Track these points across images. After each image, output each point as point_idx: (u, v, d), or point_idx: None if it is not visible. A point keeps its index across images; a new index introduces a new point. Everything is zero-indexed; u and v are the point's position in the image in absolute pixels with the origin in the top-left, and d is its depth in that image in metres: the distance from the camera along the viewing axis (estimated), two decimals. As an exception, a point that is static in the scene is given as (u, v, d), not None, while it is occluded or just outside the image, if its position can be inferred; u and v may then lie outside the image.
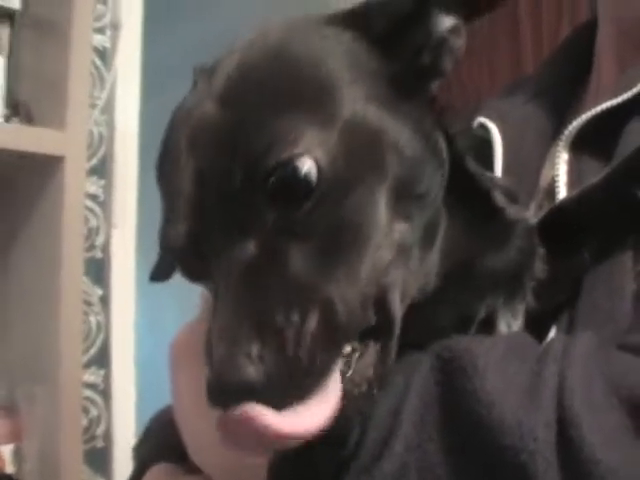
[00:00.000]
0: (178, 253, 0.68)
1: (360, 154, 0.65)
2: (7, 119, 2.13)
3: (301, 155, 0.62)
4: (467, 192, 0.75)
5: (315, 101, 0.65)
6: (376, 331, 0.63)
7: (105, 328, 2.64)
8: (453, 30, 0.71)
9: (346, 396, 0.60)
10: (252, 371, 0.57)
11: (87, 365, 2.56)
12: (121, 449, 2.61)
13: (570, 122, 0.92)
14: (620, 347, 0.66)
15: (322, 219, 0.63)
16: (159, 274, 0.88)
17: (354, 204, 0.63)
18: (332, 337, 0.60)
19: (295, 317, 0.59)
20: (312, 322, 0.59)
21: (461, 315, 0.73)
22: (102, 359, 2.64)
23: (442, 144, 0.72)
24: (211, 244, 0.65)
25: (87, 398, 2.56)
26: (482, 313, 0.74)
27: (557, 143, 0.94)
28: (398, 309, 0.65)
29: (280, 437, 0.57)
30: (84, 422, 2.51)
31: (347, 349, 0.62)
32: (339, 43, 0.69)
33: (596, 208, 0.80)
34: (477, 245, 0.76)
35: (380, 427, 0.63)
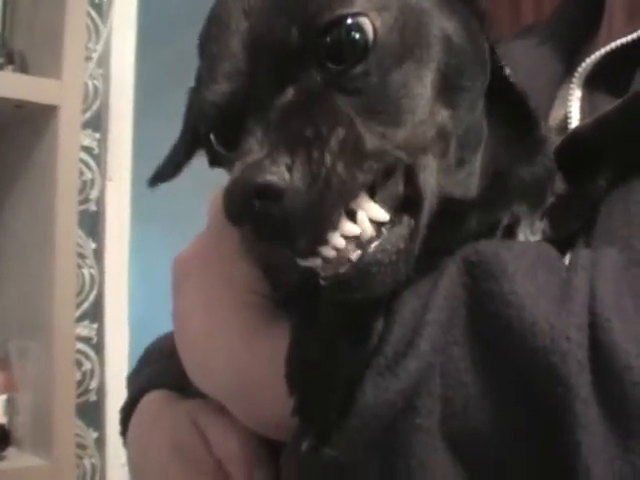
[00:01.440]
0: (218, 111, 0.67)
1: (412, 32, 0.66)
2: (1, 67, 2.11)
3: (360, 14, 0.63)
4: (506, 102, 0.76)
5: None
6: (408, 208, 0.63)
7: (98, 281, 2.64)
8: None
9: (375, 264, 0.60)
10: (278, 175, 0.56)
11: (80, 319, 2.56)
12: (114, 403, 2.61)
13: (582, 62, 0.92)
14: None
15: (371, 84, 0.63)
16: (160, 177, 0.85)
17: (403, 76, 0.64)
18: (357, 160, 0.59)
19: (323, 131, 0.59)
20: (339, 134, 0.59)
21: (487, 222, 0.73)
22: (95, 313, 2.64)
23: (486, 49, 0.74)
24: (257, 102, 0.64)
25: (80, 352, 2.56)
26: (505, 221, 0.74)
27: (570, 81, 0.94)
28: (430, 190, 0.65)
29: None
30: (77, 376, 2.51)
31: (383, 217, 0.61)
32: None
33: (612, 135, 0.80)
34: (514, 157, 0.76)
35: (405, 325, 0.62)
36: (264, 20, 0.64)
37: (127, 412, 0.96)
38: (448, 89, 0.67)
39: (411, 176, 0.63)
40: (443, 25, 0.68)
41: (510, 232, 0.74)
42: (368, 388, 0.60)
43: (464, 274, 0.63)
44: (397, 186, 0.62)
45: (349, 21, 0.62)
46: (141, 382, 0.99)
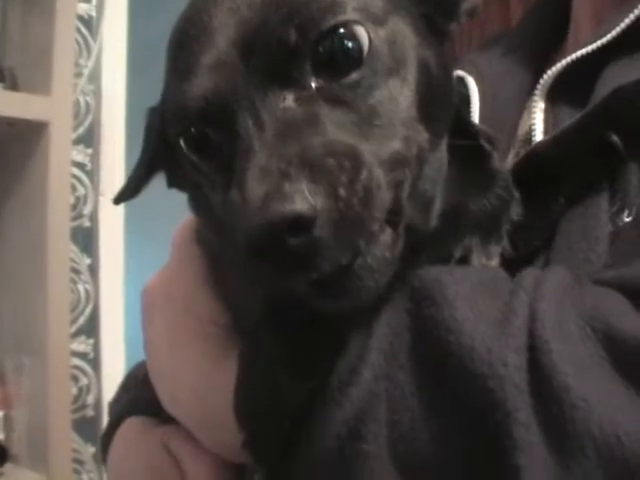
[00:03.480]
0: (204, 104, 0.65)
1: (400, 50, 0.68)
2: (-8, 85, 2.12)
3: (359, 23, 0.64)
4: (461, 138, 0.76)
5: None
6: (389, 219, 0.63)
7: (94, 297, 2.64)
8: None
9: (368, 269, 0.60)
10: (307, 203, 0.55)
11: (76, 334, 2.57)
12: (111, 418, 2.61)
13: (547, 72, 0.92)
14: (595, 281, 0.66)
15: (362, 94, 0.64)
16: (125, 194, 0.85)
17: (390, 91, 0.66)
18: (375, 196, 0.60)
19: (347, 164, 0.58)
20: (365, 172, 0.59)
21: (439, 254, 0.73)
22: (91, 328, 2.64)
23: (454, 85, 0.77)
24: (249, 101, 0.63)
25: (77, 367, 2.56)
26: (458, 253, 0.74)
27: (534, 93, 0.94)
28: (406, 201, 0.65)
29: None
30: (74, 391, 2.52)
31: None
32: None
33: (570, 152, 0.80)
34: (466, 190, 0.77)
35: (349, 355, 0.62)
36: (257, 17, 0.64)
37: (107, 439, 0.97)
38: (425, 113, 0.68)
39: (394, 194, 0.64)
40: (424, 53, 0.69)
41: (464, 262, 0.74)
42: (314, 420, 0.62)
43: (407, 300, 0.63)
44: (386, 200, 0.63)
45: (349, 28, 0.64)
46: (119, 409, 1.00)
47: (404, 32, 0.69)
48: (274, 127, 0.61)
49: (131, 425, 0.94)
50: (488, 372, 0.56)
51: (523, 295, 0.61)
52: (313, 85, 0.64)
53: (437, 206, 0.73)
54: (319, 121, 0.62)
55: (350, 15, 0.64)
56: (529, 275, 0.64)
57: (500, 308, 0.60)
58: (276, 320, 0.66)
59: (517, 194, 0.80)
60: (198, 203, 0.77)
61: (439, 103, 0.71)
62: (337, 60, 0.64)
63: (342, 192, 0.57)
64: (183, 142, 0.68)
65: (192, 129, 0.67)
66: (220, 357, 0.74)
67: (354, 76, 0.64)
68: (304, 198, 0.55)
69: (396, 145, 0.64)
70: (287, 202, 0.54)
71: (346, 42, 0.64)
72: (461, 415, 0.58)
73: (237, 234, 0.57)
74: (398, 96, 0.66)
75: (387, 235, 0.62)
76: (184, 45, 0.68)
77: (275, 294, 0.64)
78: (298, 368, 0.64)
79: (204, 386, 0.74)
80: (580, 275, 0.68)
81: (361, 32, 0.64)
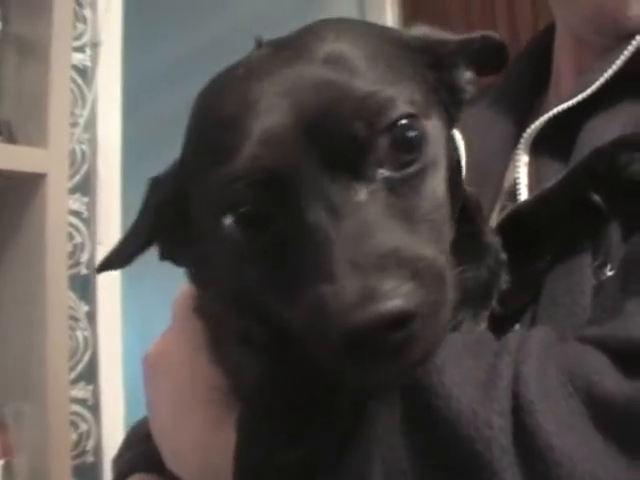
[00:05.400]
0: (265, 176, 0.64)
1: (438, 146, 0.71)
2: (-12, 139, 2.14)
3: (417, 116, 0.67)
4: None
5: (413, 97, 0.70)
6: None
7: (92, 344, 2.65)
8: (470, 81, 0.81)
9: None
10: (408, 299, 0.57)
11: (75, 381, 2.57)
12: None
13: (530, 125, 0.94)
14: (578, 339, 0.68)
15: (418, 186, 0.67)
16: (111, 264, 0.84)
17: (434, 183, 0.69)
18: (449, 283, 0.64)
19: (420, 257, 0.61)
20: (436, 263, 0.63)
21: None
22: (90, 375, 2.64)
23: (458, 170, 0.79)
24: (312, 180, 0.63)
25: (76, 414, 2.57)
26: (449, 326, 0.74)
27: (518, 147, 0.96)
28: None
29: None
30: (74, 437, 2.51)
31: None
32: (419, 60, 0.76)
33: (554, 211, 0.83)
34: (459, 264, 0.78)
35: (344, 421, 0.65)
36: (318, 104, 0.65)
37: None
38: (450, 197, 0.72)
39: None
40: (448, 146, 0.74)
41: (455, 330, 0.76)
42: None
43: None
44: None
45: (411, 121, 0.67)
46: (122, 466, 1.01)
47: (440, 125, 0.72)
48: (352, 221, 0.62)
49: None
50: (475, 435, 0.59)
51: (507, 357, 0.63)
52: (379, 177, 0.65)
53: None
54: (389, 216, 0.64)
55: (409, 109, 0.67)
56: (513, 336, 0.67)
57: (485, 370, 0.63)
58: (274, 387, 0.68)
59: (505, 256, 0.83)
60: (207, 277, 0.78)
61: (454, 198, 0.74)
62: (400, 152, 0.66)
63: (429, 283, 0.60)
64: (229, 219, 0.67)
65: (239, 206, 0.67)
66: (221, 422, 0.76)
67: (414, 167, 0.67)
68: (405, 294, 0.57)
69: (446, 239, 0.69)
70: (391, 299, 0.57)
71: (409, 134, 0.67)
72: (451, 476, 0.60)
73: (323, 327, 0.59)
74: (440, 189, 0.70)
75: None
76: (223, 122, 0.68)
77: (363, 384, 0.65)
78: (296, 434, 0.66)
79: (206, 449, 0.76)
80: (564, 331, 0.71)
81: (420, 124, 0.68)
